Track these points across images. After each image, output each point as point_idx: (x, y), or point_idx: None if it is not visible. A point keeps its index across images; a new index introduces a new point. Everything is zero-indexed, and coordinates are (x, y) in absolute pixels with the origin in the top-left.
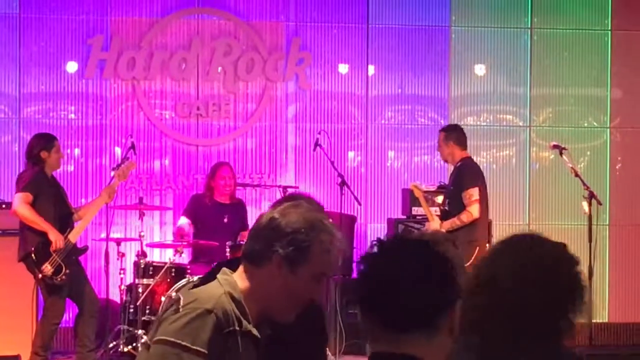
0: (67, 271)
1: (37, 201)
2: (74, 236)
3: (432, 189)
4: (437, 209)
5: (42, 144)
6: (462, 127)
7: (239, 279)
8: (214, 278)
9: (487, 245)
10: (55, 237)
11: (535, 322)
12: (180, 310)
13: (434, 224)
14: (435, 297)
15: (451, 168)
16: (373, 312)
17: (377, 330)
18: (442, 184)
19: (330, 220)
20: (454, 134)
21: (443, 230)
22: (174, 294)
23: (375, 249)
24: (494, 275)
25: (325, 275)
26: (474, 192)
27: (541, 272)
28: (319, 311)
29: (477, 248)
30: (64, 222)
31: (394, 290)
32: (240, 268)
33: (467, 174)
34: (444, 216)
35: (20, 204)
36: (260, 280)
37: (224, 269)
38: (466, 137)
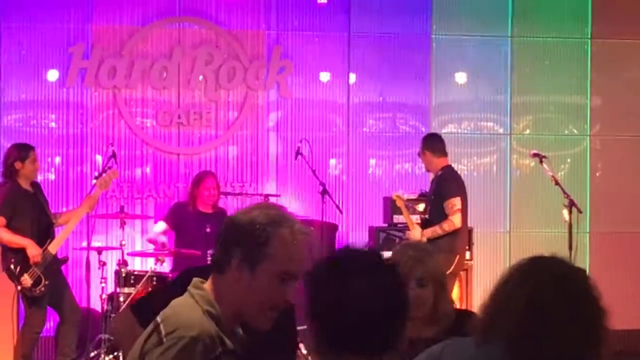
0: (47, 282)
1: (13, 219)
2: (54, 247)
3: (414, 197)
4: (418, 217)
5: (16, 155)
6: (443, 135)
7: (211, 290)
8: (185, 288)
9: (468, 253)
10: (32, 253)
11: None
12: (164, 341)
13: (415, 233)
14: None
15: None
16: None
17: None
18: (423, 192)
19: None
20: (427, 143)
21: (424, 238)
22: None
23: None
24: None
25: (291, 274)
26: (457, 202)
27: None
28: (288, 311)
29: (458, 257)
30: (44, 233)
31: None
32: (211, 278)
33: (449, 184)
34: (424, 225)
35: None
36: (227, 289)
37: (196, 281)
38: (443, 144)
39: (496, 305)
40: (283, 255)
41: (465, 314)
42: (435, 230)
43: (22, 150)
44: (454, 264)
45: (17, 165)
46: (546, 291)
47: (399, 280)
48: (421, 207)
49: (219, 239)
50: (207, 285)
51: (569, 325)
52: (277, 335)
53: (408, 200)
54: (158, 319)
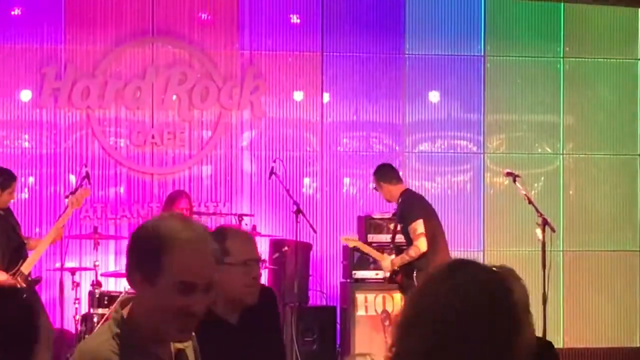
0: None
1: None
2: (27, 267)
3: (387, 216)
4: (391, 236)
5: None
6: (417, 153)
7: (129, 310)
8: None
9: None
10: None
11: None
12: None
13: (385, 262)
14: None
15: None
16: None
17: None
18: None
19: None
20: (380, 175)
21: (396, 267)
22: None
23: None
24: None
25: (192, 284)
26: (418, 226)
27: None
28: (271, 293)
29: None
30: (16, 253)
31: None
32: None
33: (408, 209)
34: (398, 251)
35: None
36: (138, 307)
37: (126, 298)
38: (396, 172)
39: (407, 320)
40: (182, 265)
41: (546, 345)
42: (403, 258)
43: (5, 179)
44: None
45: None
46: (458, 300)
47: None
48: (392, 225)
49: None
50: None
51: (481, 336)
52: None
53: (382, 219)
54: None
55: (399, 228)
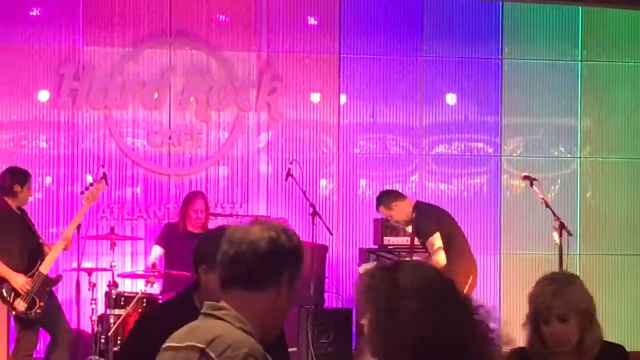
0: (42, 304)
1: (0, 242)
2: (45, 267)
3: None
4: (408, 238)
5: (17, 178)
6: (433, 155)
7: (236, 309)
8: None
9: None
10: (19, 284)
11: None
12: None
13: None
14: None
15: None
16: None
17: None
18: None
19: None
20: (388, 197)
21: None
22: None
23: None
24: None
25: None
26: (435, 240)
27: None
28: None
29: (471, 278)
30: (35, 253)
31: None
32: (233, 296)
33: (423, 223)
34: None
35: None
36: (263, 305)
37: (212, 303)
38: (396, 190)
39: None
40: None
41: (611, 346)
42: None
43: (22, 175)
44: (468, 285)
45: (16, 188)
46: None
47: None
48: (409, 228)
49: (247, 256)
50: (227, 304)
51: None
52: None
53: (397, 221)
54: (198, 345)
55: (419, 241)
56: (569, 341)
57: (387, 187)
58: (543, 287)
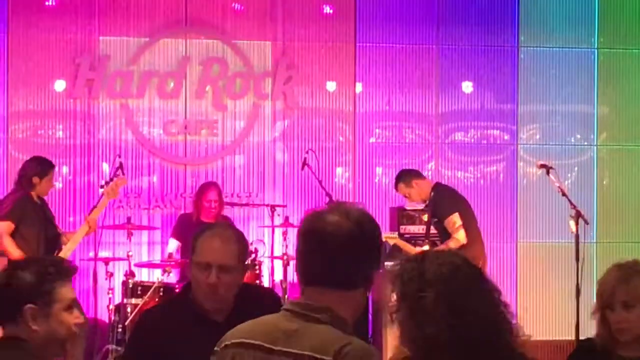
0: None
1: (20, 227)
2: (62, 256)
3: (420, 207)
4: (424, 227)
5: (36, 170)
6: (449, 143)
7: (337, 309)
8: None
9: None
10: None
11: None
12: None
13: None
14: None
15: None
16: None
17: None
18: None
19: None
20: (409, 175)
21: None
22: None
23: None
24: None
25: None
26: (455, 219)
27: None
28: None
29: (481, 264)
30: (52, 243)
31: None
32: (330, 295)
33: (443, 202)
34: (431, 245)
35: (1, 234)
36: (352, 304)
37: (306, 303)
38: (416, 169)
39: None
40: None
41: None
42: None
43: (42, 167)
44: None
45: (35, 180)
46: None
47: None
48: (425, 217)
49: (337, 253)
50: (325, 303)
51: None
52: None
53: (414, 210)
54: (324, 357)
55: (432, 222)
56: (633, 329)
57: (405, 170)
58: (610, 274)
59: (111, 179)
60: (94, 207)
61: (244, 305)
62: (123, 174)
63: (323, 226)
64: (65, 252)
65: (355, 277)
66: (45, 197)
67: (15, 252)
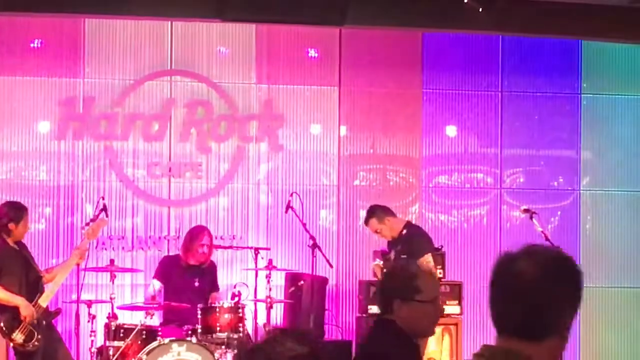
0: (39, 337)
1: (1, 277)
2: (44, 300)
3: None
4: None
5: (11, 216)
6: (434, 187)
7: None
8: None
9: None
10: (26, 313)
11: None
12: None
13: None
14: None
15: None
16: None
17: None
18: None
19: None
20: (381, 211)
21: None
22: None
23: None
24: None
25: None
26: (430, 259)
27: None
28: None
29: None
30: (33, 287)
31: None
32: (520, 344)
33: (418, 242)
34: None
35: None
36: (549, 353)
37: (502, 349)
38: (387, 206)
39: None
40: None
41: None
42: None
43: (17, 212)
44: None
45: (11, 226)
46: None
47: None
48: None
49: (518, 298)
50: (522, 351)
51: None
52: None
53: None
54: None
55: (401, 257)
56: None
57: (378, 206)
58: None
59: (92, 220)
60: (75, 248)
61: None
62: (107, 215)
63: (515, 274)
64: (48, 294)
65: (551, 325)
66: (27, 237)
67: (7, 297)
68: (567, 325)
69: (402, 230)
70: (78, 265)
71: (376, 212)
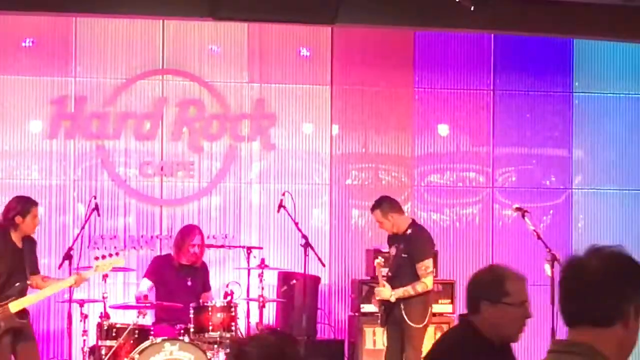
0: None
1: None
2: (15, 306)
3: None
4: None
5: (18, 209)
6: (425, 185)
7: (593, 347)
8: None
9: (450, 306)
10: None
11: None
12: None
13: (385, 291)
14: None
15: None
16: None
17: None
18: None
19: None
20: (387, 206)
21: (393, 299)
22: None
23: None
24: None
25: None
26: (429, 264)
27: None
28: None
29: (430, 309)
30: (9, 288)
31: None
32: (584, 334)
33: (422, 244)
34: (389, 282)
35: None
36: (613, 341)
37: (565, 340)
38: (398, 202)
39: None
40: None
41: None
42: (407, 291)
43: (24, 205)
44: (428, 317)
45: (18, 219)
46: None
47: None
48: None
49: (582, 289)
50: (585, 341)
51: None
52: None
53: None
54: None
55: (400, 255)
56: None
57: (386, 199)
58: None
59: (103, 256)
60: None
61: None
62: (99, 215)
63: (582, 268)
64: (24, 302)
65: (615, 314)
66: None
67: None
68: (632, 314)
69: (406, 229)
70: (70, 287)
71: (382, 204)
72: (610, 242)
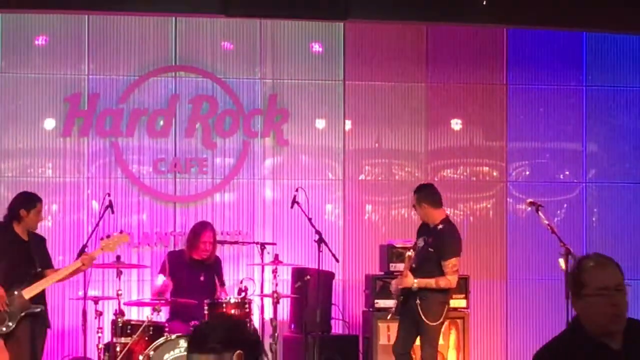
0: (10, 323)
1: None
2: (29, 293)
3: (410, 245)
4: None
5: (23, 203)
6: (438, 181)
7: None
8: None
9: (464, 301)
10: None
11: None
12: None
13: (409, 280)
14: None
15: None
16: None
17: None
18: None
19: None
20: (425, 195)
21: (415, 286)
22: None
23: None
24: None
25: None
26: (456, 262)
27: None
28: None
29: (446, 307)
30: (20, 278)
31: None
32: None
33: (451, 242)
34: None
35: None
36: None
37: None
38: (440, 195)
39: None
40: None
41: None
42: (429, 283)
43: (29, 199)
44: (444, 314)
45: (22, 212)
46: None
47: None
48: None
49: None
50: None
51: None
52: None
53: (404, 248)
54: None
55: (427, 249)
56: None
57: (427, 188)
58: None
59: (107, 236)
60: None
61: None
62: (112, 212)
63: None
64: (27, 293)
65: None
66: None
67: None
68: None
69: (438, 224)
70: (84, 271)
71: (421, 192)
72: (626, 236)
